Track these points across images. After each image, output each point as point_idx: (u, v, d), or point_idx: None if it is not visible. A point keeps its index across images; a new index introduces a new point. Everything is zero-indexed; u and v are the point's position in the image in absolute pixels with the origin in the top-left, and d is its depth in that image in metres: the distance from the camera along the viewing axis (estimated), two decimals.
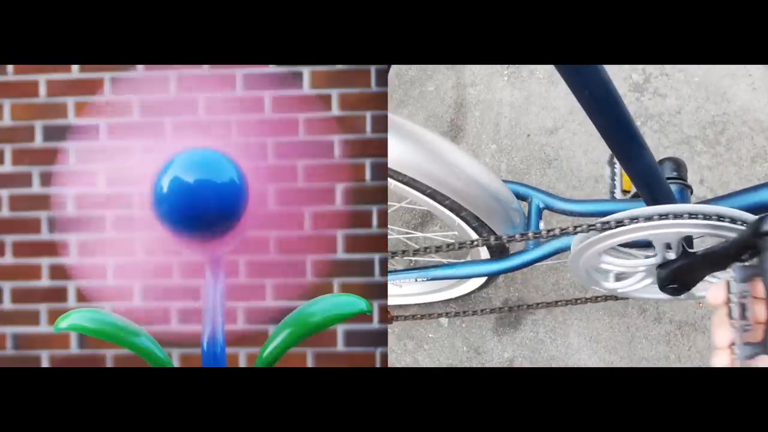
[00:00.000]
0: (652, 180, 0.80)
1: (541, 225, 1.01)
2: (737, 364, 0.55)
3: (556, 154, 1.49)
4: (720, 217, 0.76)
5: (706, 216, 0.76)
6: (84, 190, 0.97)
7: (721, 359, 0.55)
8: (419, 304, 1.39)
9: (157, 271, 0.95)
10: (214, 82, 0.96)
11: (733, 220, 0.75)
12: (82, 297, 0.98)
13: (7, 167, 0.98)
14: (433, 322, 1.40)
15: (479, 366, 1.37)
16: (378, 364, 0.96)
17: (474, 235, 1.00)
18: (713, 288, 0.58)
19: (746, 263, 0.64)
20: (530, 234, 0.88)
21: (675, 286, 0.88)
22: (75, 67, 0.98)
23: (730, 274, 0.58)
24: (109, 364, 0.98)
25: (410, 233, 1.44)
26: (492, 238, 0.90)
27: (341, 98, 0.96)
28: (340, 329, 0.97)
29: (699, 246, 0.86)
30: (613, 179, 1.00)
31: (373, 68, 0.96)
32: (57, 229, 0.97)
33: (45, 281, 0.98)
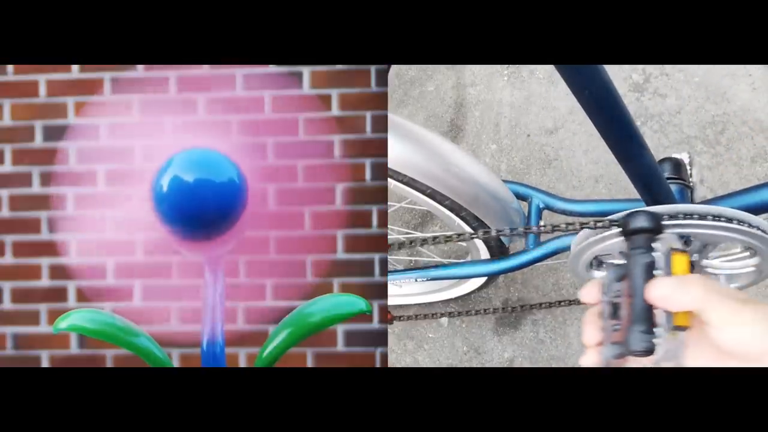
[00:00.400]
0: (652, 180, 0.80)
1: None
2: (603, 364, 0.54)
3: (556, 154, 1.49)
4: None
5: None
6: (84, 190, 0.97)
7: (589, 358, 0.55)
8: (419, 304, 1.39)
9: (157, 271, 0.95)
10: (214, 82, 0.96)
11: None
12: (82, 297, 0.98)
13: (7, 167, 0.98)
14: (433, 322, 1.40)
15: (479, 366, 1.37)
16: (378, 364, 0.96)
17: None
18: (587, 286, 0.56)
19: (618, 263, 0.62)
20: (533, 229, 0.86)
21: None
22: (75, 67, 0.98)
23: (603, 273, 0.57)
24: (109, 364, 0.98)
25: (410, 233, 1.44)
26: (482, 232, 0.87)
27: (341, 98, 0.96)
28: (340, 329, 0.97)
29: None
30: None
31: (373, 68, 0.96)
32: (57, 229, 0.97)
33: (45, 281, 0.98)
